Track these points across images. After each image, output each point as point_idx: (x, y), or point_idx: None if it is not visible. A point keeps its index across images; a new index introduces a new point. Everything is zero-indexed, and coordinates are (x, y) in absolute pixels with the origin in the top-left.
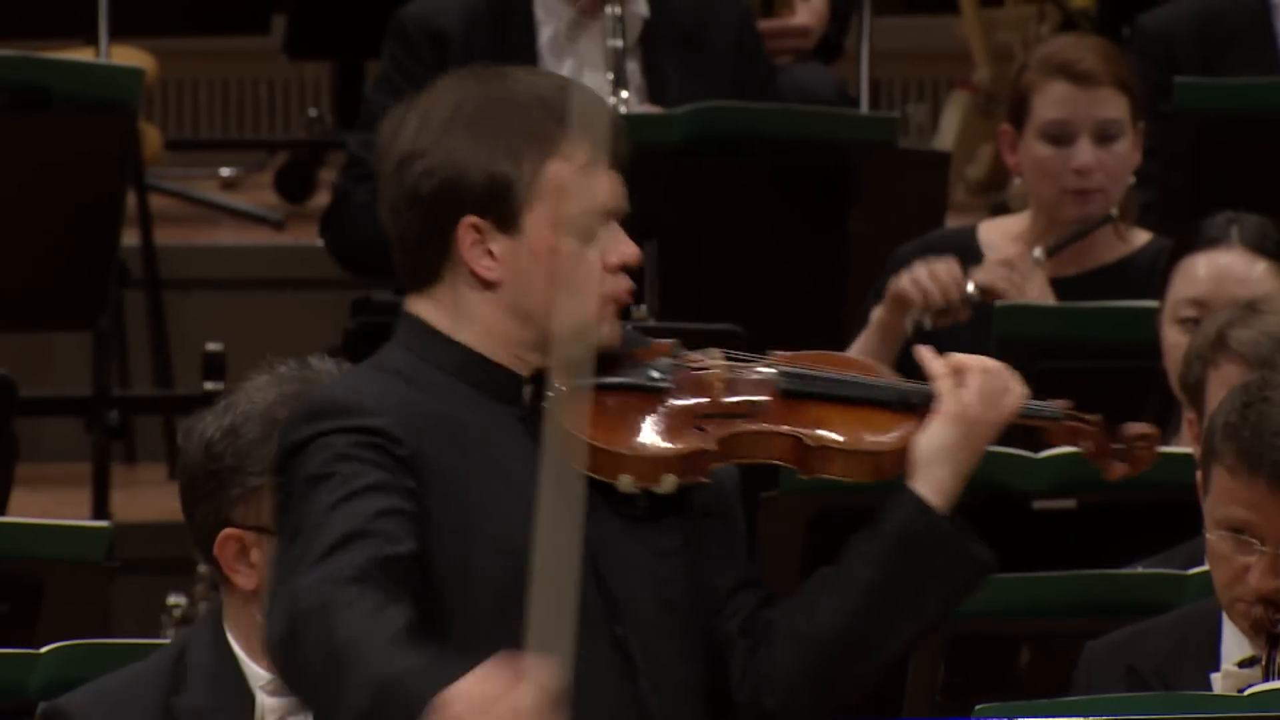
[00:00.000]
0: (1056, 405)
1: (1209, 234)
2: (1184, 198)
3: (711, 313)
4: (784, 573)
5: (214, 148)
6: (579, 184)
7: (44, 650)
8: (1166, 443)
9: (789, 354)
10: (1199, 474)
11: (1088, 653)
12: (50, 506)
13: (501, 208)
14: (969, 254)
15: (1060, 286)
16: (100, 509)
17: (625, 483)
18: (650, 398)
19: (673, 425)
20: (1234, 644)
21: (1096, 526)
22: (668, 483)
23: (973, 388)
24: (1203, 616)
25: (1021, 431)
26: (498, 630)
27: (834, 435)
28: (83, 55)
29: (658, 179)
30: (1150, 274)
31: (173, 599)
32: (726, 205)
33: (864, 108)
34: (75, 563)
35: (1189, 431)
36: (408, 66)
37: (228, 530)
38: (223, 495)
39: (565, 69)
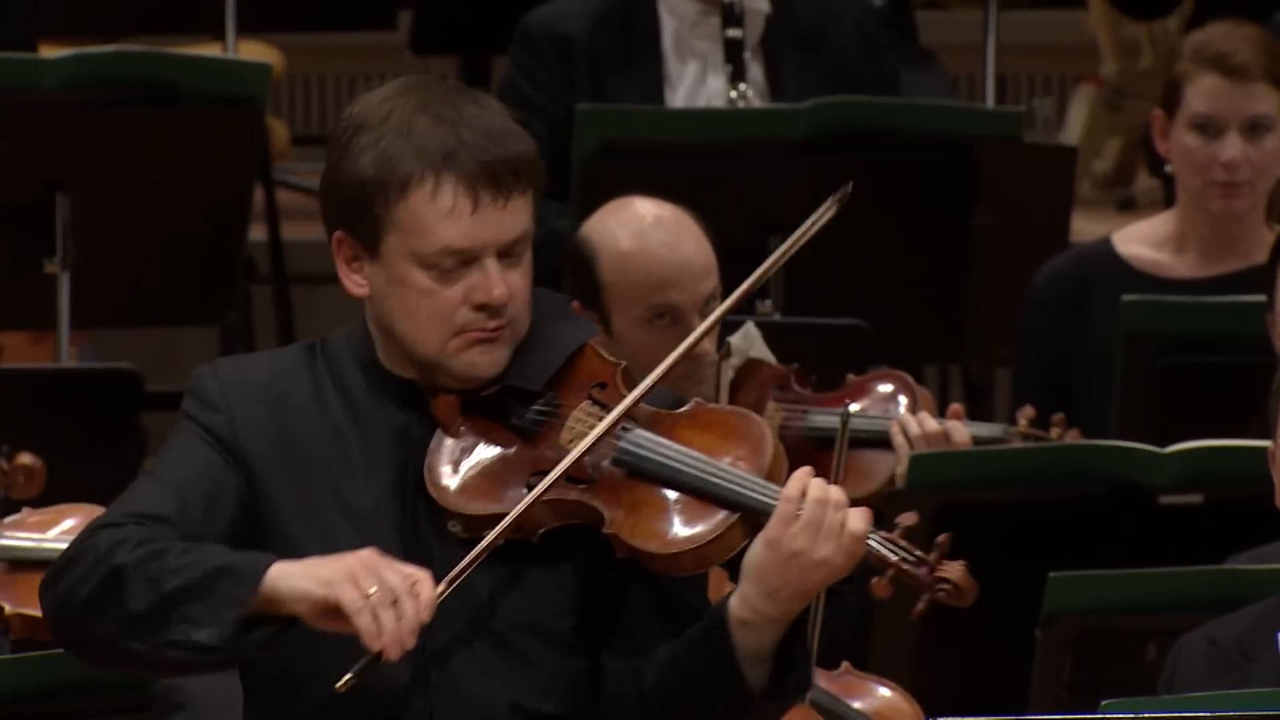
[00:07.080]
0: (901, 552)
1: None
2: None
3: (836, 308)
4: None
5: None
6: (433, 224)
7: None
8: None
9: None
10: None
11: (1177, 645)
12: None
13: (362, 229)
14: (1112, 269)
15: (1210, 284)
16: None
17: (454, 528)
18: (511, 436)
19: (504, 476)
20: None
21: (1222, 521)
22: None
23: (804, 518)
24: None
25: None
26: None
27: (645, 536)
28: (210, 51)
29: (783, 174)
30: None
31: None
32: (851, 200)
33: (990, 102)
34: None
35: None
36: (533, 73)
37: None
38: None
39: (689, 70)
